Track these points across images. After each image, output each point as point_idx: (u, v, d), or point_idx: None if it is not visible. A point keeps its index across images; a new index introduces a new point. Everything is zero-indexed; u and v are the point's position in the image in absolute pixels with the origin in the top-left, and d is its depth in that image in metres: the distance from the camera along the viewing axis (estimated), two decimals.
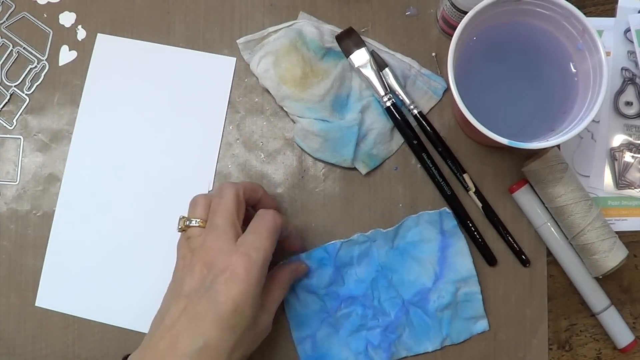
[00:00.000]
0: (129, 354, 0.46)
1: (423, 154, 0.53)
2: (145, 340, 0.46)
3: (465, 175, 0.54)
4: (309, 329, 0.53)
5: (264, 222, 0.46)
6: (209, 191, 0.55)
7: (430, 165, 0.53)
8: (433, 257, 0.53)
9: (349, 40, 0.54)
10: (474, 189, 0.54)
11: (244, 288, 0.43)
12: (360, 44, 0.53)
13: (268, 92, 0.55)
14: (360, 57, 0.53)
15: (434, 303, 0.53)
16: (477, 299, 0.53)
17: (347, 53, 0.54)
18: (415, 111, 0.54)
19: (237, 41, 0.56)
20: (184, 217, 0.48)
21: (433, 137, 0.54)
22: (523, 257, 0.54)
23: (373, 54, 0.54)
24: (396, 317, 0.53)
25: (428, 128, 0.54)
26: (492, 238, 0.54)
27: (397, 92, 0.54)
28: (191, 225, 0.47)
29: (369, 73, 0.53)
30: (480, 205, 0.54)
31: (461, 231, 0.53)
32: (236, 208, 0.46)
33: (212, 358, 0.42)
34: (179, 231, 0.48)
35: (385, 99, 0.53)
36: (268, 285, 0.47)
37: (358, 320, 0.53)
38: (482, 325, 0.53)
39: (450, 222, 0.53)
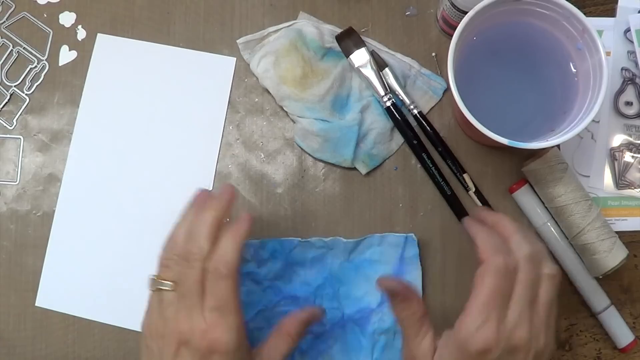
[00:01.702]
0: None
1: (423, 154, 0.53)
2: None
3: (465, 175, 0.54)
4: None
5: (223, 286, 0.42)
6: (210, 190, 0.55)
7: (430, 165, 0.53)
8: None
9: (348, 40, 0.54)
10: (474, 189, 0.54)
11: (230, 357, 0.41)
12: (360, 43, 0.53)
13: (268, 92, 0.55)
14: (360, 57, 0.53)
15: (374, 325, 0.52)
16: None
17: (347, 53, 0.54)
18: (415, 111, 0.54)
19: (237, 41, 0.56)
20: (155, 277, 0.44)
21: (433, 137, 0.54)
22: None
23: (373, 53, 0.54)
24: (331, 328, 0.52)
25: (428, 128, 0.54)
26: None
27: (397, 92, 0.54)
28: (164, 288, 0.43)
29: (369, 73, 0.53)
30: (480, 205, 0.54)
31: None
32: (204, 273, 0.42)
33: None
34: (151, 290, 0.44)
35: (385, 98, 0.53)
36: (277, 337, 0.47)
37: None
38: None
39: (412, 250, 0.52)
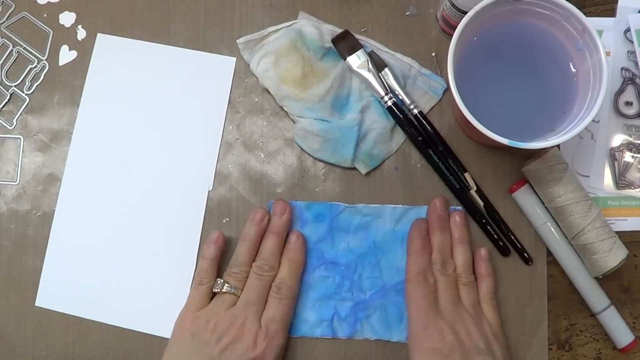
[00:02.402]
0: None
1: (429, 150, 0.53)
2: None
3: (466, 175, 0.54)
4: None
5: (281, 305, 0.50)
6: (208, 191, 0.55)
7: (437, 160, 0.53)
8: None
9: (344, 42, 0.54)
10: (475, 188, 0.54)
11: None
12: (357, 46, 0.53)
13: (268, 92, 0.55)
14: (357, 58, 0.53)
15: None
16: None
17: (344, 56, 0.54)
18: (415, 111, 0.54)
19: (237, 41, 0.56)
20: (224, 282, 0.51)
21: (433, 136, 0.54)
22: (525, 254, 0.53)
23: (372, 54, 0.54)
24: (371, 297, 0.53)
25: (428, 128, 0.54)
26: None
27: (397, 92, 0.54)
28: (230, 292, 0.50)
29: (367, 74, 0.53)
30: (481, 204, 0.54)
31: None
32: (269, 288, 0.51)
33: None
34: (214, 291, 0.51)
35: (386, 98, 0.53)
36: None
37: (333, 287, 0.53)
38: None
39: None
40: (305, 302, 0.53)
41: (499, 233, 0.54)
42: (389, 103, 0.53)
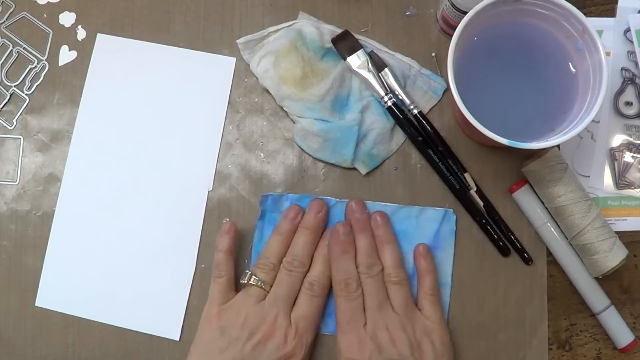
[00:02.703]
0: None
1: (429, 150, 0.53)
2: None
3: (466, 175, 0.54)
4: None
5: (313, 302, 0.50)
6: (208, 191, 0.55)
7: (437, 160, 0.53)
8: None
9: (344, 43, 0.54)
10: (475, 188, 0.54)
11: None
12: (357, 46, 0.53)
13: (268, 92, 0.55)
14: (357, 59, 0.53)
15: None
16: (443, 309, 0.53)
17: (344, 56, 0.54)
18: (415, 111, 0.54)
19: (237, 41, 0.56)
20: (253, 274, 0.50)
21: (433, 136, 0.54)
22: (525, 255, 0.54)
23: (371, 54, 0.54)
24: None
25: (428, 128, 0.54)
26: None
27: (397, 92, 0.54)
28: (258, 285, 0.50)
29: (367, 74, 0.53)
30: (481, 204, 0.54)
31: (455, 238, 0.54)
32: (300, 285, 0.50)
33: None
34: (242, 282, 0.51)
35: (385, 98, 0.53)
36: None
37: None
38: None
39: (449, 226, 0.53)
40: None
41: (499, 233, 0.54)
42: (389, 103, 0.53)
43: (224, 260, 0.51)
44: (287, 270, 0.50)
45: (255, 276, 0.50)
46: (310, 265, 0.51)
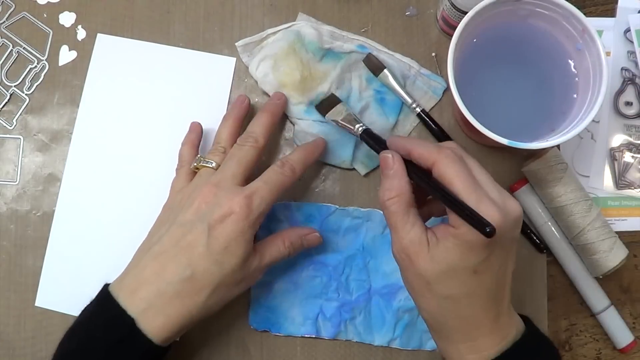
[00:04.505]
0: (109, 283, 0.46)
1: None
2: (130, 266, 0.46)
3: None
4: (269, 276, 0.53)
5: (278, 177, 0.47)
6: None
7: None
8: None
9: (326, 104, 0.53)
10: None
11: (239, 228, 0.44)
12: (335, 101, 0.53)
13: (267, 94, 0.55)
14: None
15: (399, 302, 0.53)
16: None
17: (323, 113, 0.53)
18: (418, 109, 0.54)
19: (236, 44, 0.56)
20: (201, 157, 0.49)
21: (439, 134, 0.54)
22: (539, 243, 0.53)
23: (370, 56, 0.54)
24: (357, 299, 0.53)
25: (433, 126, 0.54)
26: None
27: (397, 92, 0.54)
28: (207, 165, 0.49)
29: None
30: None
31: None
32: (255, 160, 0.48)
33: (196, 290, 0.44)
34: (194, 168, 0.50)
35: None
36: (273, 239, 0.49)
37: (320, 287, 0.53)
38: (434, 343, 0.52)
39: None
40: (292, 301, 0.53)
41: (532, 231, 0.54)
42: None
43: (185, 151, 0.52)
44: (238, 145, 0.48)
45: (205, 159, 0.49)
46: (264, 145, 0.49)
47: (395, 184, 0.41)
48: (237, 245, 0.44)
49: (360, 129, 0.49)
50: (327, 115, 0.52)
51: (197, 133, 0.53)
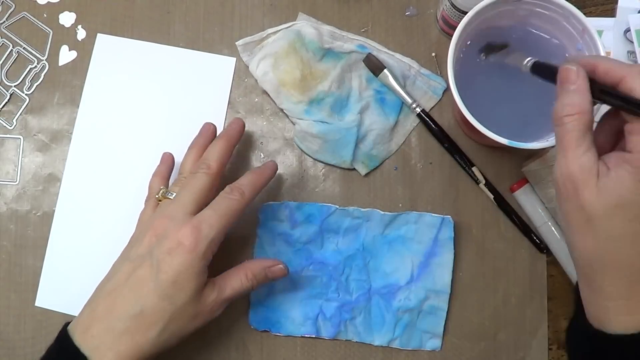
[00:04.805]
0: (69, 322, 0.46)
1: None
2: (86, 304, 0.46)
3: (474, 169, 0.54)
4: None
5: (227, 202, 0.45)
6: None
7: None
8: (416, 259, 0.53)
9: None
10: (484, 182, 0.54)
11: (187, 260, 0.43)
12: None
13: (267, 93, 0.55)
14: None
15: (399, 302, 0.53)
16: (441, 316, 0.53)
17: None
18: (418, 109, 0.54)
19: (236, 43, 0.56)
20: (164, 188, 0.49)
21: (438, 133, 0.54)
22: (539, 242, 0.53)
23: (370, 55, 0.54)
24: (357, 299, 0.53)
25: (433, 125, 0.54)
26: (504, 229, 0.54)
27: (397, 92, 0.54)
28: (167, 197, 0.48)
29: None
30: (492, 196, 0.54)
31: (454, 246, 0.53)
32: (209, 187, 0.47)
33: (146, 325, 0.43)
34: (157, 200, 0.49)
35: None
36: (235, 271, 0.47)
37: (320, 287, 0.53)
38: (434, 343, 0.53)
39: (448, 232, 0.53)
40: (292, 301, 0.53)
41: (533, 232, 0.54)
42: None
43: (154, 183, 0.51)
44: (191, 174, 0.48)
45: (167, 190, 0.49)
46: (217, 171, 0.48)
47: (577, 100, 0.36)
48: (187, 278, 0.43)
49: (529, 61, 0.43)
50: (494, 56, 0.49)
51: (167, 165, 0.53)
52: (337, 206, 0.54)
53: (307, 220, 0.54)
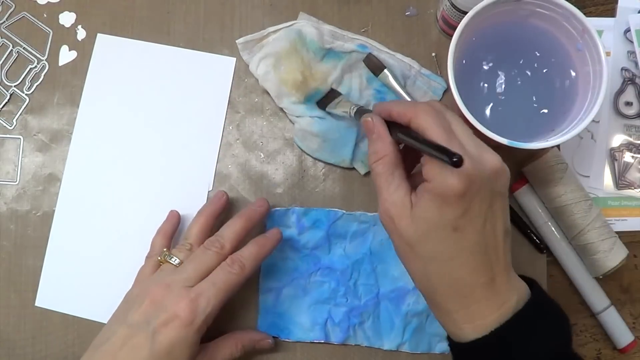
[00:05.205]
0: None
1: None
2: None
3: None
4: (277, 282, 0.53)
5: (226, 277, 0.46)
6: (208, 191, 0.55)
7: None
8: None
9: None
10: None
11: (183, 334, 0.44)
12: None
13: (268, 92, 0.55)
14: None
15: (408, 306, 0.53)
16: None
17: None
18: None
19: (237, 41, 0.56)
20: (167, 251, 0.49)
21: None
22: (539, 242, 0.53)
23: (370, 56, 0.54)
24: (365, 304, 0.53)
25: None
26: None
27: (397, 92, 0.54)
28: (169, 261, 0.48)
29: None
30: None
31: None
32: (216, 265, 0.47)
33: None
34: (159, 261, 0.49)
35: None
36: (226, 341, 0.49)
37: (328, 292, 0.53)
38: (443, 346, 0.53)
39: None
40: (300, 307, 0.53)
41: (532, 231, 0.54)
42: None
43: (157, 241, 0.52)
44: (204, 248, 0.48)
45: (170, 254, 0.49)
46: (229, 252, 0.48)
47: (379, 146, 0.41)
48: (181, 350, 0.44)
49: (354, 108, 0.48)
50: (327, 107, 0.52)
51: (172, 224, 0.53)
52: (344, 211, 0.54)
53: (314, 226, 0.54)
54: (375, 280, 0.53)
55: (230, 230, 0.49)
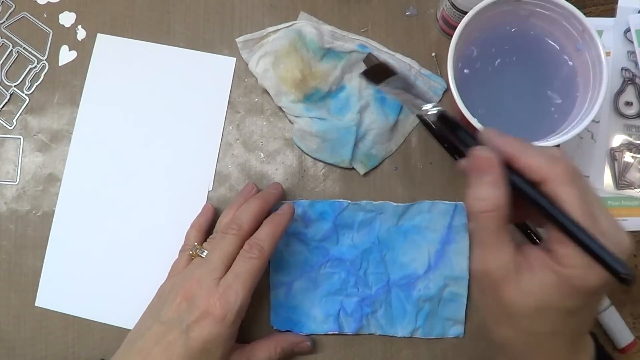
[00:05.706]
0: None
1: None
2: (116, 357, 0.47)
3: None
4: (288, 276, 0.53)
5: (248, 265, 0.46)
6: (208, 191, 0.55)
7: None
8: (432, 247, 0.53)
9: (374, 63, 0.48)
10: None
11: (216, 330, 0.44)
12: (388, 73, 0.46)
13: (268, 92, 0.55)
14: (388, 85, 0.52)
15: (419, 292, 0.53)
16: (462, 302, 0.53)
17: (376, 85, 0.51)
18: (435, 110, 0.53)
19: (237, 40, 0.56)
20: (197, 245, 0.50)
21: (438, 134, 0.54)
22: (539, 243, 0.53)
23: (370, 55, 0.54)
24: (376, 292, 0.53)
25: (432, 126, 0.54)
26: None
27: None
28: (200, 255, 0.49)
29: (400, 95, 0.52)
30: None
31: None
32: (237, 248, 0.47)
33: None
34: (190, 255, 0.50)
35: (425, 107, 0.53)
36: (266, 344, 0.50)
37: (339, 283, 0.53)
38: (457, 330, 0.53)
39: (461, 219, 0.53)
40: (312, 299, 0.53)
41: (533, 231, 0.53)
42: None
43: (191, 235, 0.52)
44: (222, 233, 0.48)
45: (201, 248, 0.49)
46: (248, 232, 0.48)
47: (493, 194, 0.34)
48: (215, 346, 0.44)
49: (434, 110, 0.39)
50: (380, 85, 0.44)
51: (205, 217, 0.53)
52: (350, 201, 0.54)
53: (321, 218, 0.54)
54: (385, 268, 0.53)
55: (246, 211, 0.49)
